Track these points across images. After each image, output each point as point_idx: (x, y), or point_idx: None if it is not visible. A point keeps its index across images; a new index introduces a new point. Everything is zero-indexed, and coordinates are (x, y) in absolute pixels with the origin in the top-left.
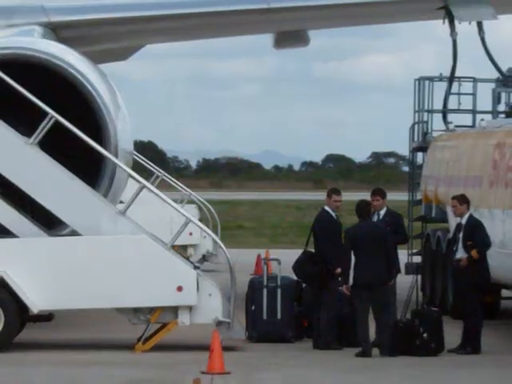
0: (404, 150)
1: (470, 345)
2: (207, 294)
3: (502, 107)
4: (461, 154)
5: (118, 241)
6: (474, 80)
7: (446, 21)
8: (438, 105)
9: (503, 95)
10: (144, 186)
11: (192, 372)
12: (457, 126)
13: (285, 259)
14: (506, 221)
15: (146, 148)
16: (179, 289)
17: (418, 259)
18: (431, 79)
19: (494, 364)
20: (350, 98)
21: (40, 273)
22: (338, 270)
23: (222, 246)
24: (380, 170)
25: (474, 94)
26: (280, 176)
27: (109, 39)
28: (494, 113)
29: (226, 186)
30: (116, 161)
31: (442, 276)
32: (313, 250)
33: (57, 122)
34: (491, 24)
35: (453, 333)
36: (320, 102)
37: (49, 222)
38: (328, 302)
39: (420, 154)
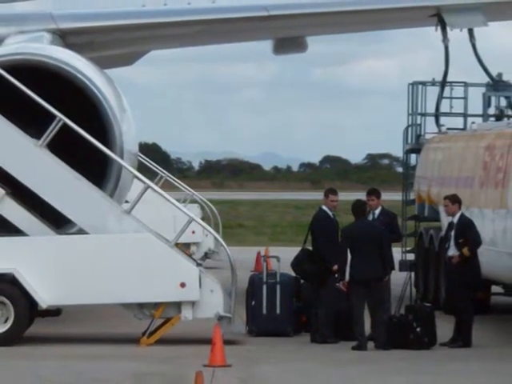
0: (398, 152)
1: (462, 339)
2: (209, 290)
3: (492, 111)
4: (452, 156)
5: (124, 239)
6: (466, 84)
7: (439, 28)
8: (431, 108)
9: (493, 99)
10: (148, 186)
11: (194, 365)
12: (449, 129)
13: (284, 256)
14: (495, 220)
15: (151, 150)
16: (182, 285)
17: (411, 257)
18: (424, 84)
19: (484, 357)
20: (347, 101)
21: (49, 270)
22: (335, 267)
23: (224, 244)
24: (375, 171)
25: (465, 98)
26: (279, 177)
27: (115, 45)
28: (485, 116)
29: (227, 187)
30: (121, 162)
31: (434, 273)
32: (310, 248)
33: (65, 125)
34: (482, 31)
35: (445, 327)
36: (317, 106)
37: (57, 221)
38: (326, 299)
39: (413, 156)
